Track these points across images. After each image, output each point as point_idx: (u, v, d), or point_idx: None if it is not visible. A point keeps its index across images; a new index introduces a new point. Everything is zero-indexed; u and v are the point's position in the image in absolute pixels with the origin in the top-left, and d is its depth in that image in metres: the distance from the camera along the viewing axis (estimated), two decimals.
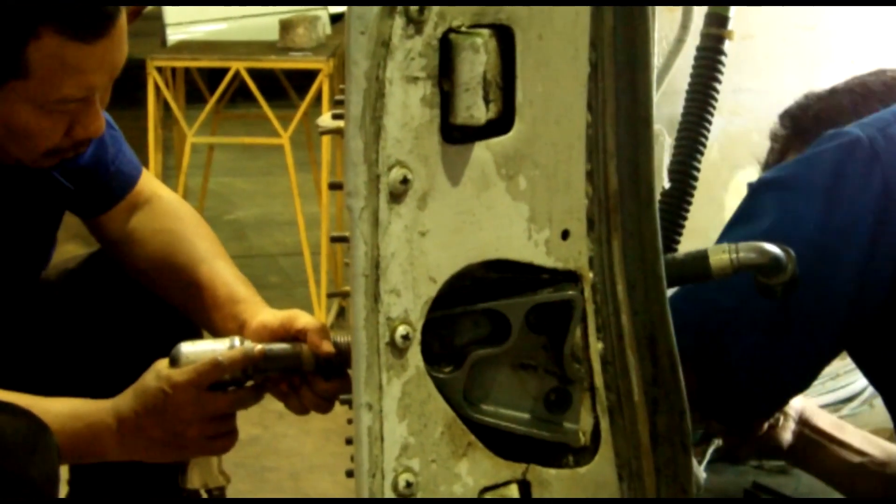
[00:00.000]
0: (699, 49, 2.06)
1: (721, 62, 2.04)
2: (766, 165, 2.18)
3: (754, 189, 1.75)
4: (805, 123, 2.09)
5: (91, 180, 1.99)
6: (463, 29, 1.23)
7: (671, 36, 2.21)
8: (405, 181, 1.24)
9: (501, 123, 1.28)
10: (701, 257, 1.49)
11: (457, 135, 1.26)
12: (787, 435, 2.03)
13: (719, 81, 2.04)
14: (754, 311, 1.64)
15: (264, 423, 3.52)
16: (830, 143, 1.69)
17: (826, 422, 2.05)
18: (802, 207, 1.65)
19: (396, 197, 1.24)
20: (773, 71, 3.08)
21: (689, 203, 2.07)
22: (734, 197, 3.12)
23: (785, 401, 1.85)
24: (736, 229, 1.71)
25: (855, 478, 2.01)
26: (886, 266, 1.62)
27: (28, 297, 2.02)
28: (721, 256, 1.49)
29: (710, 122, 2.05)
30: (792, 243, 1.51)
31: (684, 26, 2.20)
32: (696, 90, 2.04)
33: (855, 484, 2.01)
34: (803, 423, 2.02)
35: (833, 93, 2.09)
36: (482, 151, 1.28)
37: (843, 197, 1.63)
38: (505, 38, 1.26)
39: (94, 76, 1.71)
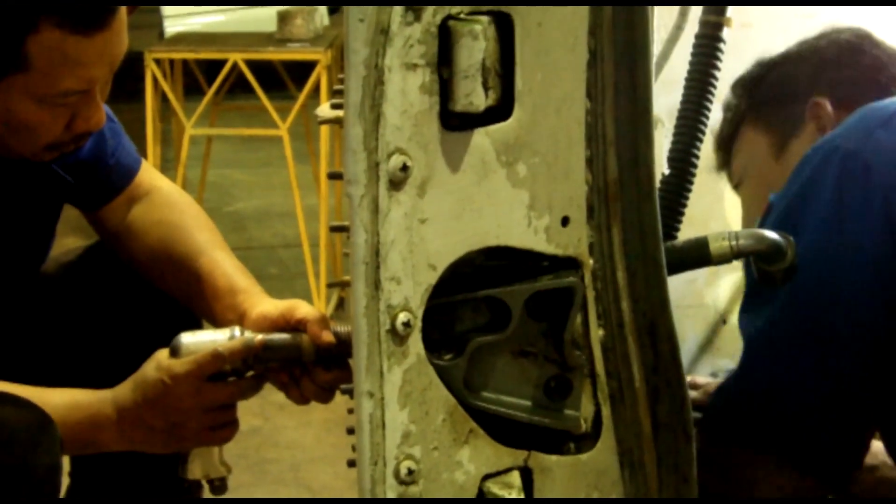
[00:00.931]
0: (698, 36, 2.06)
1: (720, 49, 2.03)
2: (721, 136, 2.14)
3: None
4: (760, 95, 2.06)
5: (91, 173, 1.99)
6: (462, 16, 1.23)
7: (670, 23, 2.21)
8: (405, 168, 1.24)
9: (501, 111, 1.28)
10: (701, 244, 1.49)
11: (456, 122, 1.25)
12: None
13: (718, 69, 2.04)
14: (793, 376, 1.61)
15: (265, 414, 3.53)
16: (818, 160, 1.62)
17: None
18: (806, 240, 1.57)
19: (396, 184, 1.24)
20: None
21: (689, 191, 2.07)
22: None
23: (861, 435, 1.69)
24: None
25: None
26: None
27: (27, 289, 2.02)
28: (721, 244, 1.49)
29: (709, 110, 2.04)
30: (805, 277, 1.50)
31: (682, 13, 2.19)
32: (696, 78, 2.04)
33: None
34: None
35: (786, 59, 2.06)
36: (482, 139, 1.28)
37: (846, 222, 1.57)
38: (504, 25, 1.26)
39: (94, 69, 1.71)
